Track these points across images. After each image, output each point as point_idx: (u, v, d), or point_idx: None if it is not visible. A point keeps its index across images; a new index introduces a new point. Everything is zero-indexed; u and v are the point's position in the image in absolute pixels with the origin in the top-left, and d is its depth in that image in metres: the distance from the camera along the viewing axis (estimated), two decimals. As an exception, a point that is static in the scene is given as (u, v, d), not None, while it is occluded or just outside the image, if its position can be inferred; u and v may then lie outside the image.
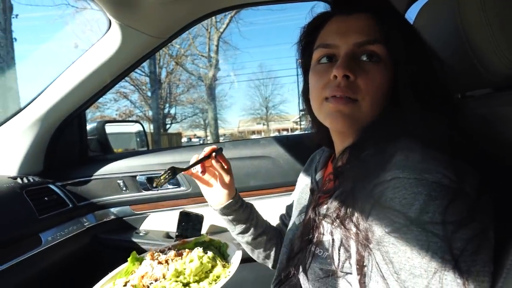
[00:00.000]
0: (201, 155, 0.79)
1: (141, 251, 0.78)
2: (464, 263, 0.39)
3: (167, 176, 0.69)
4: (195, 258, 0.62)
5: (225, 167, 0.82)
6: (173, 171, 0.70)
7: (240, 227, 0.85)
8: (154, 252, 0.67)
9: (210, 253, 0.65)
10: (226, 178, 0.82)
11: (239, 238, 0.87)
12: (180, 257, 0.64)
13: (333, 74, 0.55)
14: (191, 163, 0.77)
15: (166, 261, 0.63)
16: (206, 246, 0.73)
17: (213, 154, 0.79)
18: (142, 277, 0.59)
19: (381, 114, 0.56)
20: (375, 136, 0.54)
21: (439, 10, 0.66)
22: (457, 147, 0.46)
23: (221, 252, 0.72)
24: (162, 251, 0.69)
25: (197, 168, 0.79)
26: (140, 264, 0.65)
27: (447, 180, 0.42)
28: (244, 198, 0.89)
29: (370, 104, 0.55)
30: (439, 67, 0.57)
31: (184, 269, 0.60)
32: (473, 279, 0.39)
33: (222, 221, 0.86)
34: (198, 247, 0.68)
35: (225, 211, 0.83)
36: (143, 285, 0.57)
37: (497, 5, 0.54)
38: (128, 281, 0.61)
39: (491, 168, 0.47)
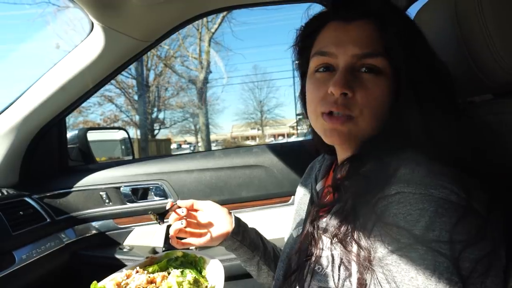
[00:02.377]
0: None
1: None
2: (472, 285, 0.39)
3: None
4: (173, 285, 0.55)
5: (198, 221, 0.80)
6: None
7: (244, 260, 0.85)
8: (121, 280, 0.59)
9: (190, 276, 0.59)
10: (207, 232, 0.79)
11: (244, 266, 0.87)
12: (154, 284, 0.57)
13: (330, 90, 0.54)
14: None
15: None
16: (180, 263, 0.68)
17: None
18: None
19: (382, 127, 0.55)
20: (376, 149, 0.53)
21: (436, 14, 0.67)
22: (464, 160, 0.46)
23: (198, 269, 0.67)
24: (129, 276, 0.61)
25: (177, 225, 0.75)
26: None
27: (455, 196, 0.42)
28: (235, 210, 0.88)
29: (368, 120, 0.55)
30: (445, 73, 0.56)
31: None
32: None
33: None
34: (174, 269, 0.63)
35: (227, 249, 0.83)
36: None
37: (494, 10, 0.55)
38: None
39: (499, 181, 0.48)
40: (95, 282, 0.59)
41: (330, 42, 0.57)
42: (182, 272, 0.62)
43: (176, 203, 0.77)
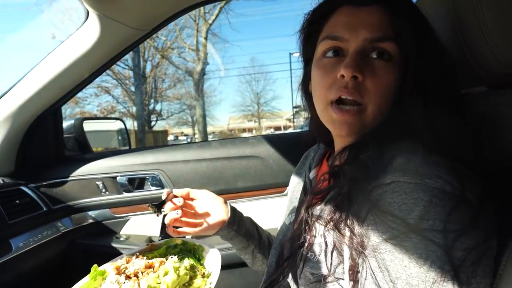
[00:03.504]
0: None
1: None
2: (464, 273, 0.40)
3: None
4: (170, 269, 0.55)
5: (195, 211, 0.80)
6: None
7: (240, 249, 0.85)
8: (120, 264, 0.59)
9: (187, 262, 0.60)
10: (203, 221, 0.80)
11: (239, 254, 0.88)
12: (152, 269, 0.57)
13: (340, 73, 0.53)
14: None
15: (136, 275, 0.56)
16: (179, 250, 0.69)
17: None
18: None
19: (385, 116, 0.55)
20: (377, 137, 0.53)
21: (434, 5, 0.67)
22: (460, 151, 0.47)
23: (196, 256, 0.67)
24: (129, 261, 0.61)
25: (173, 215, 0.75)
26: (104, 279, 0.58)
27: (449, 186, 0.42)
28: (231, 201, 0.88)
29: (377, 108, 0.54)
30: (449, 64, 0.56)
31: (159, 283, 0.53)
32: None
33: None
34: (172, 255, 0.63)
35: (223, 238, 0.83)
36: None
37: (492, 2, 0.55)
38: None
39: (492, 172, 0.48)
40: (95, 265, 0.60)
41: (342, 27, 0.56)
42: (180, 259, 0.62)
43: (172, 192, 0.76)
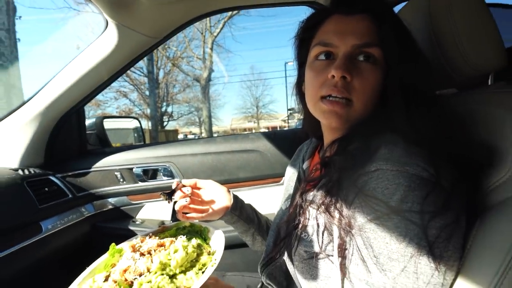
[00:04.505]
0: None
1: None
2: (437, 248, 0.40)
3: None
4: (179, 248, 0.56)
5: (202, 199, 0.80)
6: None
7: (241, 232, 0.85)
8: (135, 243, 0.60)
9: (194, 241, 0.60)
10: (209, 208, 0.79)
11: (241, 236, 0.88)
12: (163, 248, 0.57)
13: (331, 74, 0.53)
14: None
15: (149, 252, 0.56)
16: (188, 231, 0.69)
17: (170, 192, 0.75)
18: (124, 271, 0.52)
19: (370, 112, 0.56)
20: (363, 131, 0.53)
21: (413, 15, 0.66)
22: (435, 144, 0.46)
23: (203, 237, 0.67)
24: (143, 240, 0.61)
25: (182, 202, 0.74)
26: (121, 256, 0.58)
27: (426, 173, 0.43)
28: (233, 189, 0.88)
29: (363, 104, 0.54)
30: (427, 67, 0.56)
31: (169, 260, 0.54)
32: (445, 263, 0.40)
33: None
34: (181, 236, 0.63)
35: (226, 223, 0.83)
36: (126, 280, 0.51)
37: (462, 13, 0.56)
38: (108, 275, 0.54)
39: (462, 162, 0.48)
40: (113, 244, 0.60)
41: (333, 34, 0.56)
42: (188, 238, 0.62)
43: (181, 182, 0.77)
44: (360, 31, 0.54)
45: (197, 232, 0.70)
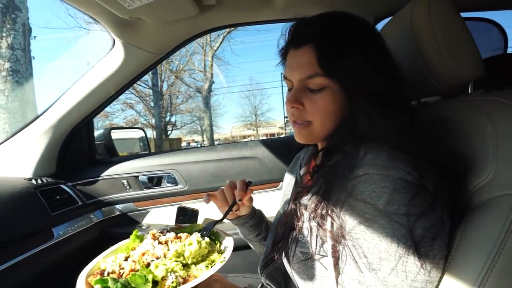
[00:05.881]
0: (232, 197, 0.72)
1: None
2: (423, 248, 0.40)
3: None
4: (194, 241, 0.58)
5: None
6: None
7: (248, 234, 0.83)
8: (156, 232, 0.64)
9: (207, 239, 0.62)
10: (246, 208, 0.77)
11: (245, 237, 0.86)
12: (179, 240, 0.60)
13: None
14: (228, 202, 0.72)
15: (166, 242, 0.59)
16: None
17: (237, 201, 0.71)
18: (143, 254, 0.56)
19: (340, 124, 0.56)
20: (340, 144, 0.54)
21: (397, 29, 0.67)
22: (417, 149, 0.47)
23: (213, 239, 0.68)
24: (162, 233, 0.65)
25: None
26: (141, 242, 0.62)
27: (410, 176, 0.43)
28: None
29: (321, 123, 0.56)
30: (391, 76, 0.54)
31: (184, 251, 0.57)
32: (430, 262, 0.41)
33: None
34: (196, 232, 0.65)
35: (236, 222, 0.80)
36: (144, 261, 0.54)
37: (443, 28, 0.57)
38: (128, 256, 0.57)
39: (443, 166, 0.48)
40: (136, 230, 0.64)
41: (287, 68, 0.59)
42: (202, 236, 0.64)
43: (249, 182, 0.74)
44: (303, 64, 0.54)
45: (209, 235, 0.71)
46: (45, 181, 1.20)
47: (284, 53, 0.61)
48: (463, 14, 0.63)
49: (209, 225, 0.70)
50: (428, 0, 0.58)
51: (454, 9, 0.58)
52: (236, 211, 0.76)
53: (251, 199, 0.75)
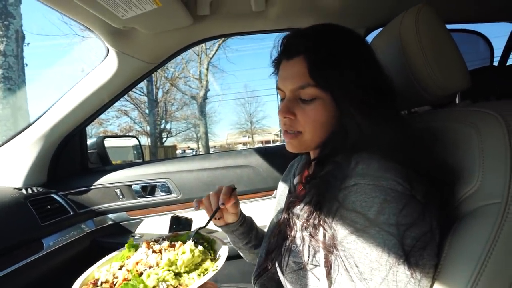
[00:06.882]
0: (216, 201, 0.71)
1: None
2: (413, 257, 0.41)
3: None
4: (187, 250, 0.59)
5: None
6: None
7: (237, 241, 0.82)
8: (150, 241, 0.65)
9: (200, 247, 0.62)
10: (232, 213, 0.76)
11: (235, 245, 0.85)
12: (173, 248, 0.61)
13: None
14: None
15: (160, 251, 0.60)
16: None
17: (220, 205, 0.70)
18: (137, 263, 0.57)
19: (331, 135, 0.56)
20: (331, 153, 0.55)
21: (387, 42, 0.69)
22: (408, 158, 0.47)
23: (209, 247, 0.68)
24: (157, 241, 0.66)
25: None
26: (136, 251, 0.63)
27: (400, 187, 0.43)
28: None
29: (312, 133, 0.57)
30: (382, 87, 0.55)
31: (177, 259, 0.57)
32: (420, 271, 0.41)
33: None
34: (190, 240, 0.65)
35: (226, 229, 0.79)
36: (137, 271, 0.55)
37: (430, 41, 0.58)
38: (123, 265, 0.59)
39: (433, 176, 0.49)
40: (131, 239, 0.65)
41: (280, 79, 0.60)
42: (196, 244, 0.64)
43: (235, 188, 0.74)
44: (295, 75, 0.56)
45: (205, 241, 0.71)
46: (35, 191, 1.18)
47: (277, 64, 0.62)
48: (452, 26, 0.65)
49: (192, 232, 0.70)
50: (416, 12, 0.60)
51: (441, 21, 0.59)
52: (219, 218, 0.76)
53: (236, 206, 0.74)
